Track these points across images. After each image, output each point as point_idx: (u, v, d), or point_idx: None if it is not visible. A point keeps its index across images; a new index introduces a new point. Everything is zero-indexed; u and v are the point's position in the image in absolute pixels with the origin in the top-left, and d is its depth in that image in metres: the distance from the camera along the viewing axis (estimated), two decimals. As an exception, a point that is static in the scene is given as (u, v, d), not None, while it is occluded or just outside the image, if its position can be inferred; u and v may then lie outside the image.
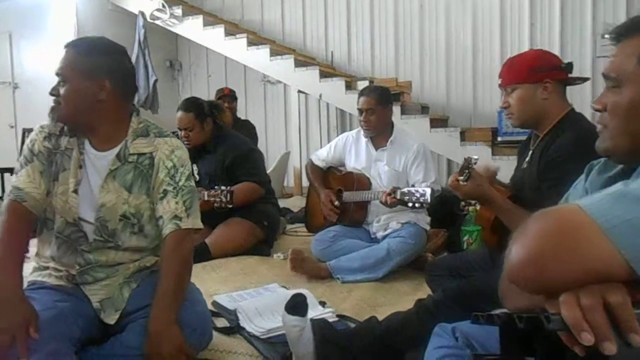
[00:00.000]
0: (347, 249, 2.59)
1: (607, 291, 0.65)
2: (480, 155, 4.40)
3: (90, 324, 1.41)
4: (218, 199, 2.56)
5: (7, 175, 5.70)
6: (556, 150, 1.59)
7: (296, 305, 1.48)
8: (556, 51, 5.18)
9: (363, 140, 2.78)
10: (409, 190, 2.34)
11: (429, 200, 2.28)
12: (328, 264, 2.49)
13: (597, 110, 0.94)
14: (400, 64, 5.93)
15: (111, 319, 1.43)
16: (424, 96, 5.69)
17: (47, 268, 1.48)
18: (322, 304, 2.04)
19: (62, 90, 1.42)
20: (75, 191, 1.43)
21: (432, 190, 2.32)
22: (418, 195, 2.30)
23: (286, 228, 3.65)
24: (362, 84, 4.97)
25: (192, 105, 3.01)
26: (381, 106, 2.67)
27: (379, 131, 2.70)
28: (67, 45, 1.47)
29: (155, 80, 5.79)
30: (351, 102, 4.91)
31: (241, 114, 6.31)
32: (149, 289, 1.43)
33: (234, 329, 1.84)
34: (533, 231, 0.71)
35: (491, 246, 1.91)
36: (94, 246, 1.45)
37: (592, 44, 5.11)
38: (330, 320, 1.86)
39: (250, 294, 2.17)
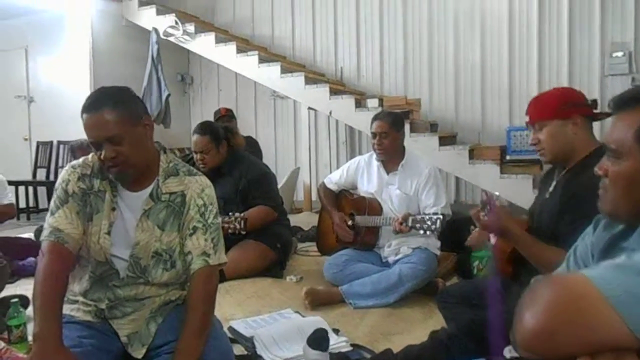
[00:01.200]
0: (359, 273, 2.64)
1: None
2: (489, 174, 4.49)
3: (116, 359, 1.46)
4: (232, 226, 2.62)
5: (21, 188, 5.83)
6: (580, 186, 1.62)
7: (318, 340, 1.53)
8: (564, 68, 5.24)
9: (375, 163, 2.84)
10: (421, 218, 2.40)
11: (440, 228, 2.33)
12: (340, 289, 2.55)
13: (599, 175, 1.00)
14: (409, 80, 6.00)
15: (138, 353, 1.48)
16: (433, 112, 5.74)
17: (75, 302, 1.53)
18: (336, 331, 2.09)
19: (117, 150, 1.42)
20: (108, 233, 1.49)
21: (443, 217, 2.37)
22: (430, 223, 2.36)
23: (297, 247, 3.70)
24: (371, 102, 5.04)
25: (208, 128, 3.07)
26: (394, 130, 2.73)
27: (391, 155, 2.76)
28: (90, 110, 1.43)
29: (168, 95, 5.88)
30: (360, 120, 4.99)
31: (251, 129, 6.41)
32: (174, 324, 1.49)
33: (252, 357, 1.89)
34: (544, 302, 0.77)
35: (505, 276, 1.96)
36: (125, 282, 1.51)
37: (601, 61, 5.15)
38: (345, 349, 1.91)
39: (266, 320, 2.23)
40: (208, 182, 1.63)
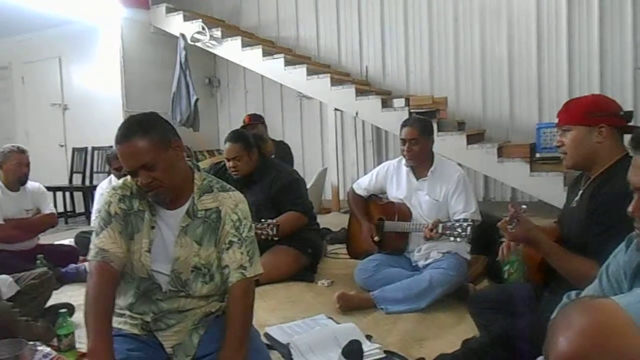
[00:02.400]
0: (389, 278, 2.68)
1: None
2: (519, 172, 4.46)
3: (162, 369, 1.55)
4: (265, 232, 2.70)
5: (58, 193, 6.04)
6: (607, 195, 1.62)
7: (352, 352, 1.59)
8: (595, 61, 5.14)
9: (404, 169, 2.86)
10: (451, 225, 2.42)
11: (470, 235, 2.35)
12: (372, 294, 2.59)
13: (630, 216, 1.02)
14: (435, 78, 5.97)
15: (183, 363, 1.56)
16: (460, 110, 5.70)
17: (122, 315, 1.62)
18: (369, 337, 2.14)
19: (152, 175, 1.49)
20: (149, 250, 1.57)
21: (473, 224, 2.39)
22: (460, 230, 2.37)
23: (327, 251, 3.75)
24: (398, 102, 5.04)
25: (239, 136, 3.16)
26: (424, 137, 2.75)
27: (421, 161, 2.78)
28: (121, 141, 1.49)
29: (197, 100, 6.00)
30: (387, 120, 5.01)
31: (278, 130, 6.49)
32: (215, 335, 1.57)
33: (288, 364, 1.96)
34: (577, 328, 0.81)
35: (536, 283, 1.97)
36: (168, 295, 1.59)
37: (633, 53, 5.03)
38: (378, 357, 1.96)
39: (300, 326, 2.29)
40: (242, 197, 1.69)
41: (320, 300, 2.74)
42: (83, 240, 4.02)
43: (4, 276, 2.40)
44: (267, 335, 2.20)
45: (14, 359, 1.69)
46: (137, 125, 1.49)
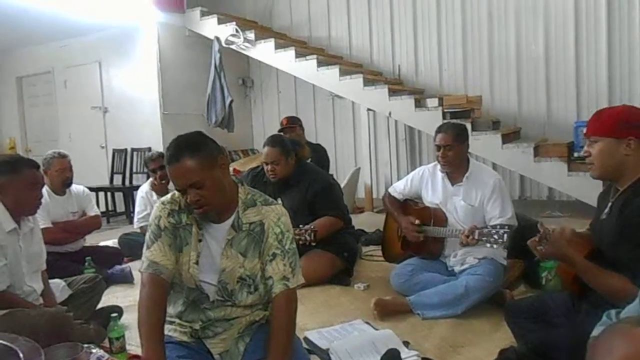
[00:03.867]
0: (425, 283, 2.71)
1: None
2: (556, 171, 4.38)
3: (210, 375, 1.63)
4: (303, 238, 2.76)
5: (100, 193, 6.26)
6: (635, 211, 1.62)
7: (391, 359, 1.63)
8: (637, 57, 5.00)
9: (439, 174, 2.87)
10: (487, 231, 2.43)
11: (507, 242, 2.35)
12: (408, 299, 2.62)
13: None
14: (469, 74, 5.91)
15: (230, 370, 1.65)
16: (494, 108, 5.64)
17: (172, 322, 1.72)
18: (406, 344, 2.18)
19: (201, 194, 1.56)
20: (197, 262, 1.65)
21: (510, 230, 2.39)
22: (497, 237, 2.38)
23: (362, 252, 3.80)
24: (431, 102, 5.02)
25: (278, 140, 3.25)
26: (458, 143, 2.75)
27: (455, 167, 2.78)
28: (171, 162, 1.56)
29: (231, 101, 6.11)
30: (420, 119, 5.00)
31: (310, 130, 6.53)
32: (260, 343, 1.65)
33: (328, 369, 2.02)
34: (617, 355, 0.83)
35: (573, 293, 1.97)
36: (215, 305, 1.68)
37: (678, 47, 4.87)
38: (416, 363, 1.99)
39: (338, 330, 2.35)
40: (284, 210, 1.76)
41: (357, 305, 2.79)
42: (126, 242, 4.20)
43: (57, 280, 2.54)
44: (306, 339, 2.27)
45: (71, 362, 1.82)
46: (186, 146, 1.57)
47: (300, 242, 2.77)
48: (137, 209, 4.36)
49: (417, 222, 2.81)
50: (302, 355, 1.74)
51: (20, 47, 7.23)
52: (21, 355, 1.43)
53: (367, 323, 2.45)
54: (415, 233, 2.81)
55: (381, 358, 1.64)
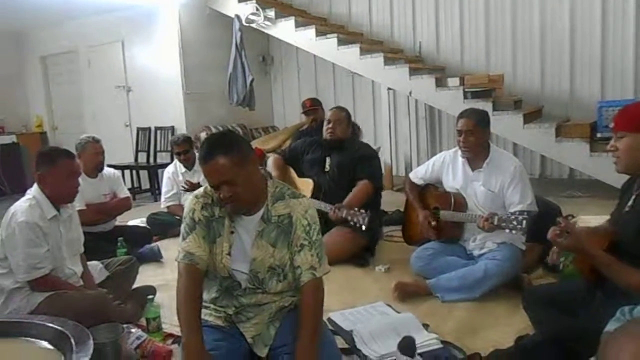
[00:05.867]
0: (445, 266, 2.79)
1: None
2: (578, 152, 4.38)
3: (243, 357, 1.76)
4: (355, 219, 3.00)
5: (126, 171, 6.42)
6: None
7: (407, 346, 1.75)
8: (665, 34, 4.87)
9: (460, 160, 2.92)
10: (507, 217, 2.49)
11: (526, 228, 2.41)
12: (428, 282, 2.71)
13: None
14: (491, 51, 5.84)
15: (262, 352, 1.78)
16: (517, 86, 5.58)
17: (208, 307, 1.84)
18: (426, 326, 2.28)
19: (233, 190, 1.65)
20: (229, 253, 1.76)
21: (529, 217, 2.44)
22: (515, 223, 2.44)
23: (382, 233, 3.88)
24: (452, 81, 5.01)
25: (343, 108, 3.75)
26: (480, 128, 2.78)
27: (476, 152, 2.82)
28: (205, 160, 1.64)
29: (252, 80, 6.16)
30: (441, 99, 5.00)
31: (330, 107, 6.55)
32: (289, 328, 1.77)
33: (352, 350, 2.13)
34: (628, 354, 0.90)
35: (590, 282, 2.03)
36: (247, 292, 1.79)
37: None
38: (435, 347, 2.09)
39: (361, 313, 2.46)
40: (310, 203, 1.85)
41: (378, 286, 2.90)
42: (154, 221, 4.37)
43: (94, 262, 2.69)
44: (330, 320, 2.38)
45: (113, 343, 1.96)
46: (218, 145, 1.66)
47: (352, 223, 3.00)
48: (163, 189, 4.52)
49: (433, 222, 2.90)
50: (328, 337, 1.85)
51: (45, 26, 7.32)
52: (72, 339, 1.55)
53: (389, 305, 2.55)
54: (430, 231, 2.91)
55: (399, 343, 1.75)
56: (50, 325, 1.63)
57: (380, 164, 3.76)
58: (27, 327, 1.67)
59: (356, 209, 3.06)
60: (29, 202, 2.29)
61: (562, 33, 5.38)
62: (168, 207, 4.49)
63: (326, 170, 3.53)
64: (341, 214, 3.10)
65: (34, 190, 2.33)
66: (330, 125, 3.52)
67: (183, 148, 4.38)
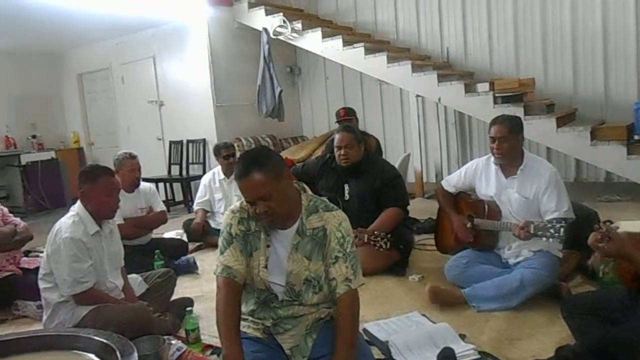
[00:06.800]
0: (480, 275, 2.76)
1: None
2: (614, 155, 4.28)
3: (282, 368, 1.79)
4: (378, 244, 3.01)
5: (159, 184, 6.58)
6: None
7: (447, 358, 1.73)
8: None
9: (493, 167, 2.89)
10: (543, 225, 2.45)
11: (564, 236, 2.37)
12: (463, 291, 2.69)
13: None
14: (521, 55, 5.77)
15: (300, 363, 1.80)
16: (549, 90, 5.49)
17: (246, 320, 1.88)
18: (462, 337, 2.26)
19: (268, 205, 1.69)
20: (266, 266, 1.79)
21: (566, 225, 2.40)
22: (553, 231, 2.40)
23: (415, 242, 3.85)
24: (482, 86, 4.97)
25: (350, 127, 3.50)
26: (513, 135, 2.75)
27: (510, 159, 2.78)
28: (241, 176, 1.67)
29: (281, 91, 6.24)
30: (471, 105, 4.96)
31: (358, 116, 6.55)
32: (326, 339, 1.79)
33: (387, 361, 2.14)
34: None
35: (632, 289, 1.99)
36: (283, 304, 1.82)
37: None
38: (473, 357, 2.08)
39: (396, 323, 2.46)
40: (344, 215, 1.87)
41: (413, 296, 2.89)
42: (189, 227, 4.53)
43: (134, 275, 2.76)
44: (365, 331, 2.39)
45: (155, 355, 2.01)
46: (254, 162, 1.70)
47: (375, 248, 3.01)
48: (198, 194, 4.65)
49: (469, 224, 2.87)
50: (364, 348, 1.86)
51: (81, 45, 7.62)
52: (117, 352, 1.60)
53: (424, 315, 2.54)
54: (466, 234, 2.88)
55: (437, 356, 1.74)
56: (97, 338, 1.69)
57: (403, 181, 3.59)
58: (74, 340, 1.74)
59: (376, 232, 3.05)
60: (73, 218, 2.38)
61: (595, 32, 5.27)
62: (196, 211, 4.62)
63: (346, 198, 3.41)
64: (363, 239, 3.07)
65: (77, 207, 2.42)
66: (342, 152, 3.34)
67: (231, 151, 4.54)
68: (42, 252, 3.26)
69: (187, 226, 4.62)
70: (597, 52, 5.29)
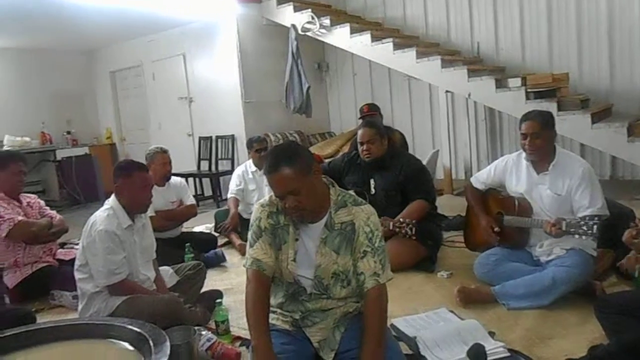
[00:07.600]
0: (510, 273, 2.71)
1: None
2: (652, 152, 4.12)
3: (310, 360, 1.81)
4: (403, 231, 2.98)
5: (189, 179, 6.68)
6: None
7: (477, 354, 1.71)
8: None
9: (524, 163, 2.83)
10: (576, 222, 2.40)
11: (597, 233, 2.32)
12: (493, 289, 2.65)
13: None
14: (555, 49, 5.63)
15: (328, 357, 1.82)
16: (583, 85, 5.34)
17: (275, 312, 1.90)
18: (492, 334, 2.23)
19: (297, 199, 1.70)
20: (294, 259, 1.81)
21: (600, 222, 2.34)
22: (586, 228, 2.35)
23: (443, 238, 3.82)
24: (513, 82, 4.87)
25: (373, 122, 3.49)
26: (546, 130, 2.69)
27: (542, 155, 2.72)
28: (271, 171, 1.69)
29: (308, 88, 6.25)
30: (502, 101, 4.87)
31: (387, 112, 6.53)
32: (354, 333, 1.80)
33: (416, 356, 2.13)
34: None
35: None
36: (312, 297, 1.84)
37: None
38: (502, 355, 2.05)
39: (424, 319, 2.44)
40: (372, 210, 1.87)
41: (441, 292, 2.87)
42: (221, 214, 4.64)
43: (165, 268, 2.83)
44: (393, 326, 2.38)
45: (186, 345, 2.06)
46: (283, 157, 1.71)
47: (401, 235, 2.97)
48: (232, 183, 4.66)
49: (496, 228, 2.83)
50: (392, 343, 1.86)
51: (113, 43, 7.80)
52: (150, 341, 1.64)
53: (452, 312, 2.52)
54: (492, 237, 2.84)
55: (467, 352, 1.72)
56: (130, 327, 1.74)
57: (429, 174, 3.57)
58: (109, 329, 1.80)
59: (401, 219, 3.02)
60: (107, 212, 2.45)
61: (632, 24, 5.10)
62: (230, 199, 4.62)
63: (372, 192, 3.40)
64: (388, 227, 3.04)
65: (111, 201, 2.49)
66: (364, 148, 3.36)
67: (263, 145, 4.57)
68: (77, 244, 3.38)
69: (218, 213, 4.65)
70: (635, 45, 5.12)
